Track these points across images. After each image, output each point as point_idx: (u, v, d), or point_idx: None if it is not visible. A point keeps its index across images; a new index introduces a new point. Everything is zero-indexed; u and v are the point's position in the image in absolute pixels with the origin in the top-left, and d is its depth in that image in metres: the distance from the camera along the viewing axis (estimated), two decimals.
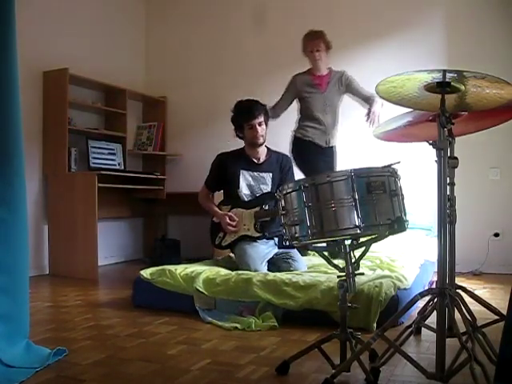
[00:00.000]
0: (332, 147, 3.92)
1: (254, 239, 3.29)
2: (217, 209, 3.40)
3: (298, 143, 3.87)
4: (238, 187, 3.33)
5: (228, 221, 3.28)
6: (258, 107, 3.28)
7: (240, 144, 3.48)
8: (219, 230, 3.37)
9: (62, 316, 2.87)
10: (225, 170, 3.37)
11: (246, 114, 3.27)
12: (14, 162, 1.99)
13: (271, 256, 3.29)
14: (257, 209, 3.30)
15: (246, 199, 3.36)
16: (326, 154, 3.87)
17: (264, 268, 3.16)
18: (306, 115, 3.88)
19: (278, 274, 2.90)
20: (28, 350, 1.99)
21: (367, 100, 3.81)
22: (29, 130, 4.26)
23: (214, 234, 3.41)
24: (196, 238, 5.00)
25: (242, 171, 3.36)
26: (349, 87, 3.91)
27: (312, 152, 3.81)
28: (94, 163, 4.69)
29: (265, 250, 3.29)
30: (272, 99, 3.87)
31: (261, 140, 3.31)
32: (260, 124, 3.28)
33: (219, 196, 3.60)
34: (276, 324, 2.54)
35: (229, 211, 3.35)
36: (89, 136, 4.76)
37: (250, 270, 3.06)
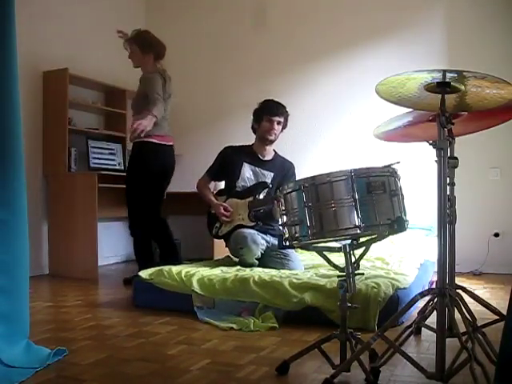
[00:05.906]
0: None
1: (249, 228, 3.34)
2: (213, 198, 3.50)
3: None
4: (238, 178, 3.45)
5: (222, 211, 3.38)
6: (284, 110, 3.46)
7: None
8: (216, 220, 3.46)
9: (61, 316, 2.86)
10: (229, 161, 3.48)
11: (271, 108, 3.43)
12: (14, 162, 1.98)
13: (264, 245, 3.32)
14: (250, 198, 3.39)
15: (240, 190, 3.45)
16: None
17: (260, 242, 3.24)
18: None
19: (275, 273, 2.91)
20: (28, 350, 1.99)
21: None
22: (29, 130, 4.26)
23: (212, 225, 3.51)
24: (196, 238, 4.99)
25: (244, 163, 3.48)
26: None
27: None
28: (94, 163, 4.69)
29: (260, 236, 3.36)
30: None
31: (272, 136, 3.45)
32: (278, 123, 3.44)
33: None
34: (276, 325, 2.54)
35: (224, 201, 3.45)
36: (89, 136, 4.76)
37: (246, 246, 3.17)
